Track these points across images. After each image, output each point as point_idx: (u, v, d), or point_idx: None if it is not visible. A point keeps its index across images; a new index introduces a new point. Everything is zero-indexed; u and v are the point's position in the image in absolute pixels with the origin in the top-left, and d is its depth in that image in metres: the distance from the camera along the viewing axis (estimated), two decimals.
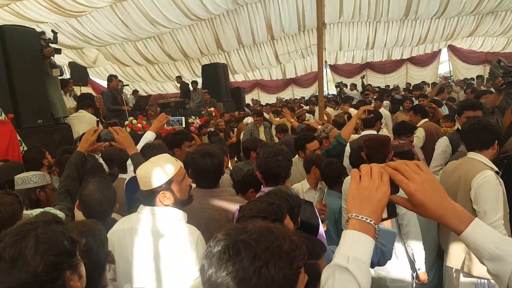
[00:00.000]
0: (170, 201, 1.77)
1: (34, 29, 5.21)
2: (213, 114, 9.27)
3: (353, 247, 0.88)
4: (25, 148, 4.12)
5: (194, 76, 16.02)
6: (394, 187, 0.93)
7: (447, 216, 0.88)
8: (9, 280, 0.93)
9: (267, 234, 0.82)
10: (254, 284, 0.75)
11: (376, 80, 18.76)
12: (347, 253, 0.87)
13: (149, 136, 2.63)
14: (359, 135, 3.90)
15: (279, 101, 15.82)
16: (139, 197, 1.84)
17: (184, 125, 2.97)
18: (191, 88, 11.31)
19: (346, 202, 0.95)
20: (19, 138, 4.11)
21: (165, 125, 2.78)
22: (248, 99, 17.49)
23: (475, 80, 13.39)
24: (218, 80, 11.89)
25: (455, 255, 2.37)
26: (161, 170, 1.76)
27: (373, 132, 3.73)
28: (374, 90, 11.45)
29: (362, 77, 14.71)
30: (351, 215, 0.91)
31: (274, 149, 2.11)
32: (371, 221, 0.89)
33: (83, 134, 3.39)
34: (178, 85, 12.85)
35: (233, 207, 2.10)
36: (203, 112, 9.36)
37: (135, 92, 13.35)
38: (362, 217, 0.89)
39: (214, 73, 11.92)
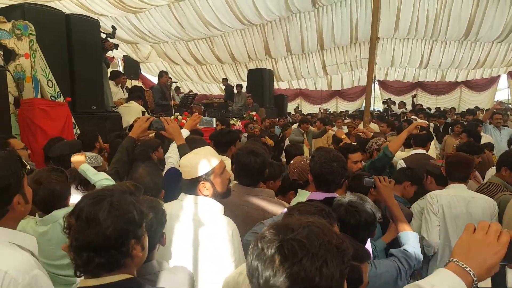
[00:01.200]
0: (209, 192, 1.81)
1: (98, 19, 5.48)
2: (254, 118, 9.34)
3: (442, 282, 0.89)
4: (78, 131, 4.38)
5: (239, 79, 16.32)
6: None
7: None
8: (82, 238, 1.03)
9: (315, 230, 0.82)
10: (317, 283, 0.76)
11: (427, 101, 18.12)
12: (433, 283, 0.89)
13: (184, 133, 2.71)
14: (408, 153, 3.79)
15: (324, 112, 15.63)
16: (181, 186, 1.91)
17: (214, 126, 3.08)
18: (235, 90, 11.52)
19: (454, 247, 0.96)
20: (73, 121, 4.37)
21: (197, 124, 2.92)
22: (290, 107, 17.49)
23: None
24: (263, 86, 12.03)
25: None
26: (203, 161, 1.82)
27: (423, 151, 3.66)
28: (426, 112, 11.05)
29: (413, 96, 14.23)
30: (453, 259, 0.92)
31: (330, 155, 2.11)
32: (470, 270, 0.89)
33: (133, 123, 3.48)
34: (223, 87, 13.12)
35: (271, 207, 2.12)
36: (245, 115, 9.48)
37: (177, 89, 13.68)
38: (463, 264, 0.89)
39: (259, 78, 12.08)
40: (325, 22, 13.94)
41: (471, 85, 18.23)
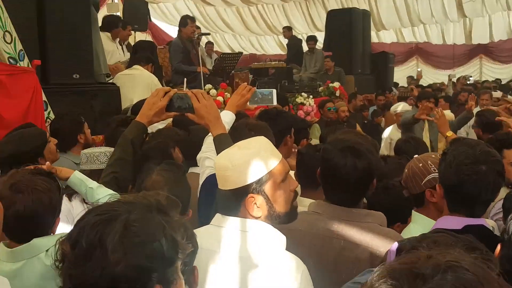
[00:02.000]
0: (262, 212, 1.86)
1: None
2: (337, 93, 9.36)
3: None
4: (52, 115, 4.57)
5: (313, 29, 16.55)
6: None
7: None
8: (78, 275, 1.09)
9: (466, 278, 0.82)
10: None
11: None
12: None
13: (226, 119, 2.77)
14: None
15: (463, 81, 14.95)
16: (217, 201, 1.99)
17: (275, 102, 3.23)
18: (305, 47, 11.59)
19: None
20: (44, 98, 4.55)
21: (248, 102, 2.93)
22: (399, 74, 17.14)
23: None
24: (352, 39, 11.97)
25: None
26: (253, 160, 1.85)
27: None
28: None
29: None
30: None
31: (476, 152, 2.11)
32: None
33: (141, 101, 3.55)
34: (285, 41, 13.25)
35: (384, 243, 2.13)
36: (321, 88, 9.55)
37: (209, 45, 14.06)
38: None
39: (346, 26, 12.06)
40: None
41: None
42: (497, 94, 9.59)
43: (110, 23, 7.48)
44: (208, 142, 2.74)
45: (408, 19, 17.45)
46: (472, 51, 20.65)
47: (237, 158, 1.85)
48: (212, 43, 14.68)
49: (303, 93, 8.63)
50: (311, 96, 8.65)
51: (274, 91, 3.17)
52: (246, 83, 3.18)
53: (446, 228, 1.88)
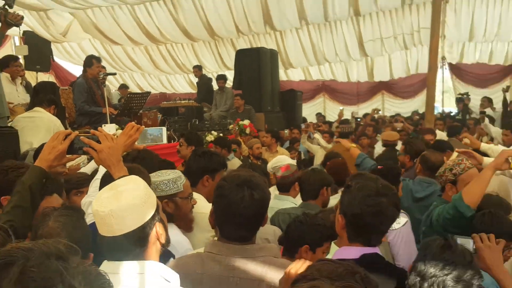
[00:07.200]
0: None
1: None
2: (247, 130, 9.49)
3: None
4: None
5: (223, 68, 16.72)
6: None
7: None
8: None
9: None
10: None
11: None
12: None
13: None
14: None
15: (373, 113, 15.05)
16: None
17: (165, 140, 3.33)
18: (215, 86, 11.84)
19: None
20: None
21: (137, 142, 2.85)
22: (307, 110, 17.67)
23: None
24: (260, 77, 12.25)
25: None
26: (138, 201, 1.87)
27: None
28: None
29: (505, 90, 14.14)
30: None
31: (377, 185, 2.25)
32: None
33: (42, 145, 3.35)
34: (196, 80, 13.37)
35: (277, 275, 2.13)
36: (231, 126, 9.62)
37: (123, 87, 14.11)
38: None
39: (255, 65, 12.33)
40: None
41: None
42: (399, 125, 10.10)
43: (3, 62, 7.31)
44: (95, 186, 2.71)
45: (314, 58, 17.95)
46: (375, 88, 21.62)
47: (117, 203, 1.83)
48: (127, 87, 14.60)
49: (213, 131, 8.68)
50: (221, 134, 8.66)
51: (164, 129, 3.10)
52: (133, 122, 3.02)
53: (345, 258, 2.03)
